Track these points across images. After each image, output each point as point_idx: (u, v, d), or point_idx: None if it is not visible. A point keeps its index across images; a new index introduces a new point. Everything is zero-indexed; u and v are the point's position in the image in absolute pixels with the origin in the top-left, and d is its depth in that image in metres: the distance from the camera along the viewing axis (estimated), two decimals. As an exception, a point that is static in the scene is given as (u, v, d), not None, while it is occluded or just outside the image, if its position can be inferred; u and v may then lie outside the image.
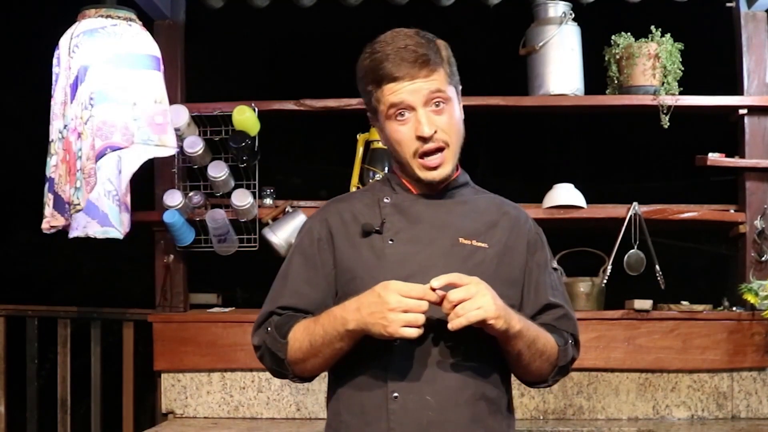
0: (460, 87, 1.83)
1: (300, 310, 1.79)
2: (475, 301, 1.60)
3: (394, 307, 1.59)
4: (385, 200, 1.82)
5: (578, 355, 1.86)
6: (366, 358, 1.71)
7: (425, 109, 1.73)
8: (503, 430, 1.78)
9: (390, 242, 1.76)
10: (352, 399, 1.75)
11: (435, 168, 1.76)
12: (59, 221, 2.80)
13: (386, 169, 3.29)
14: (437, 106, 1.74)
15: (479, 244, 1.77)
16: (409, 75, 1.71)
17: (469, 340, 1.66)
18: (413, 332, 1.60)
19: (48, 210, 2.81)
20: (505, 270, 1.78)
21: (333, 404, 1.82)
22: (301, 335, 1.73)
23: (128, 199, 2.87)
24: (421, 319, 1.60)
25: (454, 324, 1.60)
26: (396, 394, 1.69)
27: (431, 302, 1.61)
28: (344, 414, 1.76)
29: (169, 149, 2.81)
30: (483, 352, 1.71)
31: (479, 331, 1.63)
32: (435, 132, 1.73)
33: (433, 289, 1.61)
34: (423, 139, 1.73)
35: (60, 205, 2.78)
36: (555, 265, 1.91)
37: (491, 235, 1.80)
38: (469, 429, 1.70)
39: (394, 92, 1.73)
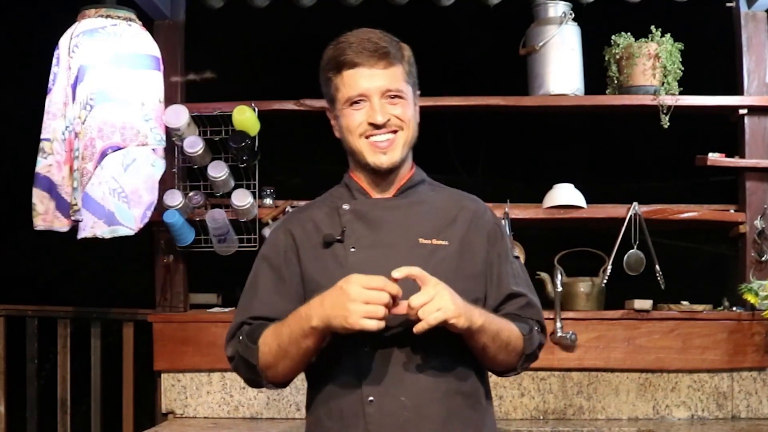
0: (419, 92, 1.88)
1: (271, 320, 1.80)
2: (435, 303, 1.63)
3: (354, 297, 1.62)
4: (344, 207, 1.85)
5: (545, 340, 1.91)
6: (339, 365, 1.76)
7: (381, 99, 1.79)
8: (481, 420, 1.81)
9: (352, 250, 1.80)
10: (330, 405, 1.78)
11: (384, 151, 1.80)
12: (62, 222, 2.80)
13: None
14: (392, 98, 1.80)
15: (439, 242, 1.81)
16: (369, 64, 1.78)
17: (437, 338, 1.69)
18: (373, 324, 1.61)
19: (41, 207, 2.81)
20: (467, 265, 1.82)
21: (312, 414, 1.84)
22: (270, 338, 1.75)
23: (141, 195, 2.86)
24: (381, 311, 1.62)
25: (417, 328, 1.64)
26: (371, 398, 1.73)
27: (392, 294, 1.63)
28: (325, 420, 1.79)
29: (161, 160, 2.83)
30: (452, 348, 1.75)
31: (445, 329, 1.67)
32: (388, 120, 1.79)
33: (395, 280, 1.64)
34: (375, 126, 1.78)
35: (64, 206, 2.79)
36: (516, 253, 1.94)
37: (451, 231, 1.83)
38: (446, 423, 1.74)
39: (352, 78, 1.79)
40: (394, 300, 1.65)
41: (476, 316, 1.70)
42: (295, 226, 1.87)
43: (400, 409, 1.72)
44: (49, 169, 2.81)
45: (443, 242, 1.81)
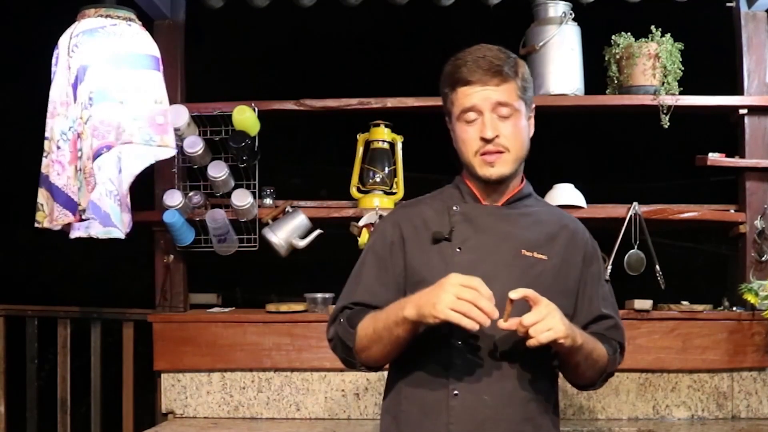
0: (534, 106, 1.97)
1: (371, 307, 1.90)
2: (546, 323, 1.72)
3: (447, 289, 1.70)
4: (455, 208, 1.94)
5: (622, 360, 2.01)
6: (429, 357, 1.85)
7: (492, 114, 1.87)
8: (550, 428, 1.91)
9: (458, 250, 1.89)
10: (413, 393, 1.88)
11: (492, 164, 1.88)
12: (69, 218, 2.79)
13: (386, 169, 3.30)
14: (503, 114, 1.88)
15: (540, 256, 1.90)
16: (481, 81, 1.87)
17: (523, 347, 1.76)
18: (456, 317, 1.67)
19: (47, 208, 2.81)
20: (562, 281, 1.92)
21: (393, 395, 1.94)
22: (368, 323, 1.85)
23: (128, 200, 2.87)
24: (467, 306, 1.68)
25: (529, 343, 1.73)
26: (456, 392, 1.82)
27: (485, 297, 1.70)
28: (405, 404, 1.89)
29: (170, 150, 2.82)
30: (535, 358, 1.83)
31: (547, 345, 1.75)
32: (497, 137, 1.87)
33: (511, 300, 1.73)
34: (485, 140, 1.87)
35: (72, 206, 2.78)
36: (607, 276, 2.09)
37: (551, 247, 1.93)
38: (520, 426, 1.84)
39: (466, 95, 1.88)
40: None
41: (578, 336, 1.80)
42: (404, 220, 1.97)
43: (482, 407, 1.82)
44: (48, 168, 2.81)
45: (543, 257, 1.90)
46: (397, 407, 1.91)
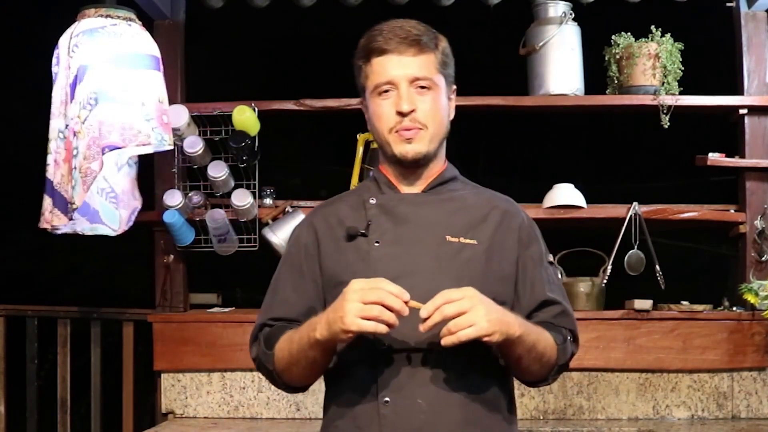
0: (454, 86, 1.82)
1: (290, 320, 1.77)
2: (468, 318, 1.54)
3: (350, 297, 1.54)
4: (371, 201, 1.79)
5: (577, 350, 1.82)
6: (356, 364, 1.70)
7: (409, 88, 1.72)
8: (502, 430, 1.75)
9: (376, 244, 1.73)
10: (344, 405, 1.72)
11: (409, 141, 1.73)
12: (62, 220, 2.80)
13: (386, 169, 3.30)
14: (422, 88, 1.73)
15: (467, 240, 1.73)
16: (398, 50, 1.72)
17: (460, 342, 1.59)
18: (369, 325, 1.54)
19: (47, 208, 2.81)
20: (495, 266, 1.74)
21: (327, 413, 1.80)
22: (284, 345, 1.72)
23: (134, 199, 2.86)
24: (375, 309, 1.54)
25: (445, 342, 1.56)
26: (387, 399, 1.66)
27: (394, 294, 1.55)
28: (337, 420, 1.74)
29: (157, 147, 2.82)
30: (476, 353, 1.64)
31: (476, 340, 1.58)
32: (413, 111, 1.72)
33: (429, 323, 1.55)
34: (401, 115, 1.72)
35: (62, 204, 2.79)
36: (551, 259, 1.86)
37: (480, 230, 1.75)
38: (463, 430, 1.67)
39: (381, 66, 1.73)
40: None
41: (514, 328, 1.61)
42: (318, 220, 1.82)
43: (416, 412, 1.65)
44: (47, 168, 2.81)
45: (471, 241, 1.73)
46: (331, 423, 1.75)
